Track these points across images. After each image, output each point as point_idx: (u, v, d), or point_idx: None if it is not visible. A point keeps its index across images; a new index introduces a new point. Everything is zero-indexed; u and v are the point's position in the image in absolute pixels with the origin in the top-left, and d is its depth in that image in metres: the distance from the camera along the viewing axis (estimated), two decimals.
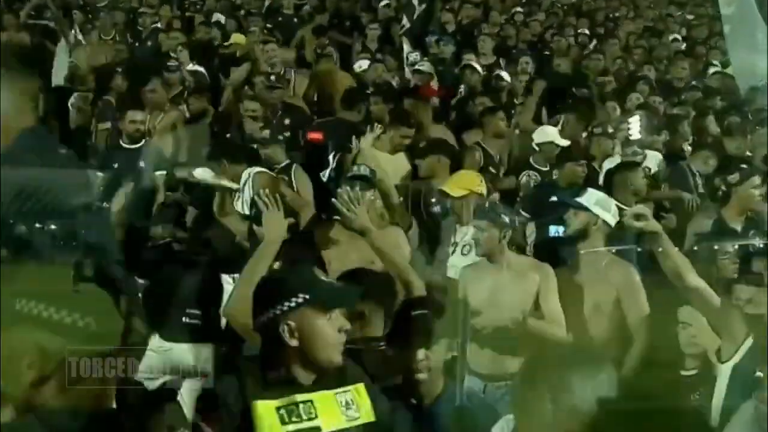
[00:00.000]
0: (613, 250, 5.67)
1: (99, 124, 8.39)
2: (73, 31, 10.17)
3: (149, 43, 10.42)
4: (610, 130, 7.92)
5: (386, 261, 4.41)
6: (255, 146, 7.03)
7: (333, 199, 4.73)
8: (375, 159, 6.59)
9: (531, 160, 7.36)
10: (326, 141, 7.26)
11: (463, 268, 5.17)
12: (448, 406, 3.31)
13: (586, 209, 4.97)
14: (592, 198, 5.04)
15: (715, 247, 5.53)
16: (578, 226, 4.98)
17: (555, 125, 7.78)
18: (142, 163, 7.13)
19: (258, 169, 6.22)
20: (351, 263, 4.47)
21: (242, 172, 6.24)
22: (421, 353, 3.24)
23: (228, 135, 7.66)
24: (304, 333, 2.79)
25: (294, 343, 2.78)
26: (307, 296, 2.80)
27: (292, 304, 2.79)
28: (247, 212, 5.86)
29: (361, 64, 9.61)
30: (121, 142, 7.43)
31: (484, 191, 5.83)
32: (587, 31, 12.62)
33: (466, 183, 5.81)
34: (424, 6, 11.14)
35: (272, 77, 8.28)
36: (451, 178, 6.03)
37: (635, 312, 4.82)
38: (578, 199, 5.00)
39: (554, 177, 6.87)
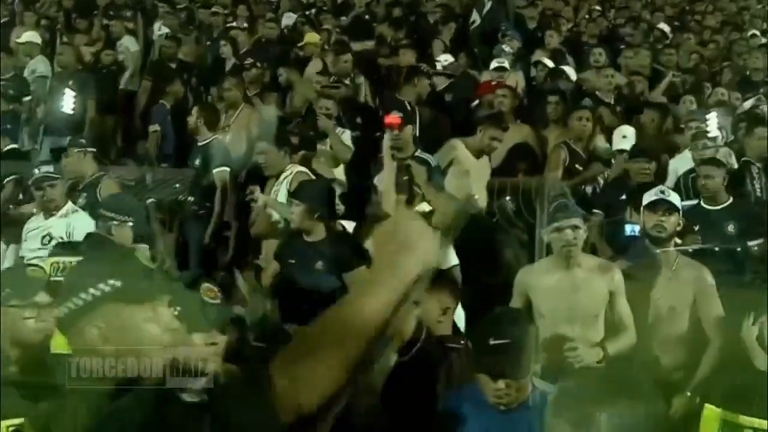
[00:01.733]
0: (690, 249, 5.57)
1: (150, 126, 8.71)
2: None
3: (221, 43, 10.48)
4: (682, 126, 7.78)
5: None
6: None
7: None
8: (465, 161, 6.62)
9: (613, 160, 7.28)
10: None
11: (522, 270, 5.01)
12: (532, 411, 3.24)
13: (678, 210, 4.84)
14: (678, 198, 4.93)
15: None
16: (674, 228, 4.83)
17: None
18: (197, 161, 7.38)
19: (299, 168, 6.40)
20: None
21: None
22: (501, 383, 3.19)
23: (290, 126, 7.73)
24: None
25: None
26: None
27: None
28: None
29: (447, 58, 9.61)
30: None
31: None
32: (666, 26, 12.36)
33: None
34: (491, 3, 11.07)
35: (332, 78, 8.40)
36: None
37: (711, 314, 4.71)
38: (671, 199, 4.84)
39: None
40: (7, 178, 6.82)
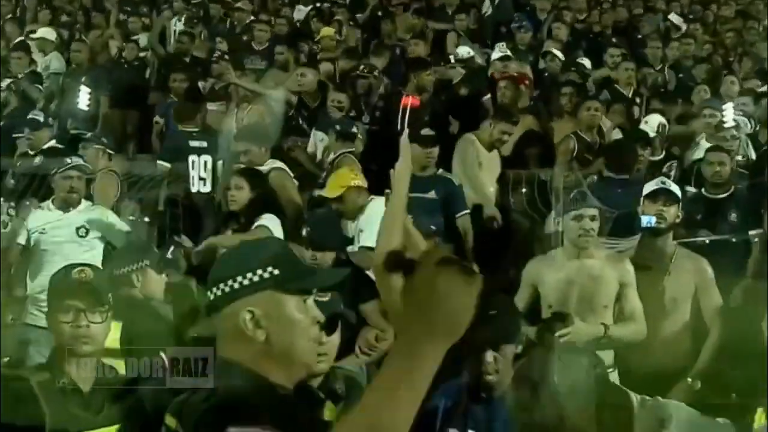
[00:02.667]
0: (707, 240, 5.54)
1: (155, 118, 8.81)
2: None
3: (245, 38, 10.43)
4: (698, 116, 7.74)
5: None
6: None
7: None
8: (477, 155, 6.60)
9: None
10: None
11: (532, 261, 4.98)
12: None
13: (679, 200, 4.82)
14: (678, 189, 4.92)
15: None
16: (674, 218, 4.80)
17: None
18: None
19: (277, 164, 6.57)
20: None
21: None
22: (489, 356, 3.16)
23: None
24: None
25: None
26: None
27: None
28: None
29: (469, 51, 9.54)
30: None
31: (361, 183, 5.75)
32: (678, 17, 12.27)
33: (340, 182, 5.72)
34: None
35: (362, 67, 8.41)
36: (328, 182, 5.96)
37: (711, 304, 4.75)
38: (672, 189, 4.82)
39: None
40: None
